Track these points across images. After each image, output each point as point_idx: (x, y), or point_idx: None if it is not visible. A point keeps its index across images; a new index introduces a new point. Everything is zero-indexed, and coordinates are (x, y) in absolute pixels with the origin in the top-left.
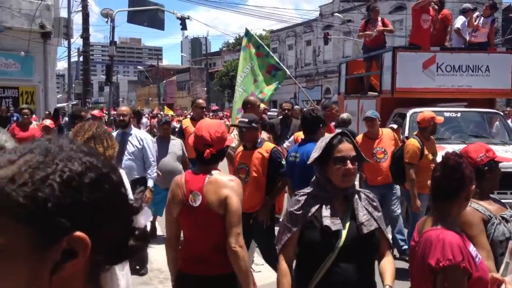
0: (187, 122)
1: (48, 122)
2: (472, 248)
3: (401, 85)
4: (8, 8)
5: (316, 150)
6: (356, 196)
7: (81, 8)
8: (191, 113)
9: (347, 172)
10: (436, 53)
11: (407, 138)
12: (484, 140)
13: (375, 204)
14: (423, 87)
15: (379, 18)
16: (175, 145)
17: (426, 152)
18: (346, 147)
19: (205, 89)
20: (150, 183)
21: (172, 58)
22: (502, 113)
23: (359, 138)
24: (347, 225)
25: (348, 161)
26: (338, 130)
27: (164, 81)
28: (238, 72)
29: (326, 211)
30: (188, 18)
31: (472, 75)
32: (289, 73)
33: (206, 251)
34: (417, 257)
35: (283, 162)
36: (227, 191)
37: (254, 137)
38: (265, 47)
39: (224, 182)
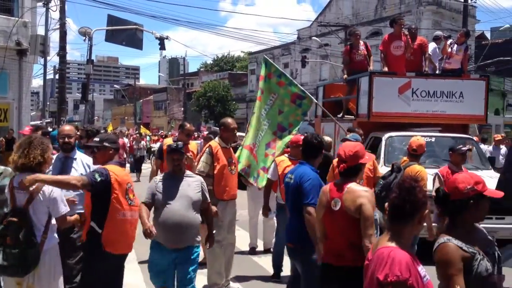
0: (169, 143)
1: None
2: (421, 268)
3: (378, 109)
4: None
5: None
6: None
7: (58, 26)
8: (170, 133)
9: None
10: (412, 78)
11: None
12: None
13: None
14: (399, 111)
15: (361, 42)
16: (191, 185)
17: None
18: None
19: (182, 109)
20: None
21: (149, 78)
22: (475, 139)
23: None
24: None
25: None
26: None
27: (141, 101)
28: (257, 106)
29: None
30: (166, 38)
31: (446, 100)
32: (315, 100)
33: (343, 247)
34: (369, 274)
35: (97, 177)
36: (361, 200)
37: (106, 157)
38: (287, 75)
39: (359, 192)
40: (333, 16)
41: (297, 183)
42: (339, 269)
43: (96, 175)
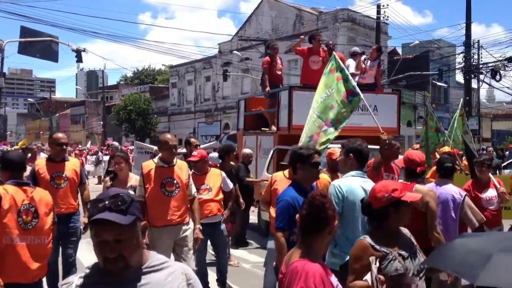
0: (41, 164)
1: None
2: (333, 278)
3: (297, 122)
4: None
5: None
6: None
7: None
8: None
9: None
10: None
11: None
12: None
13: None
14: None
15: (278, 57)
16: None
17: None
18: None
19: (102, 123)
20: None
21: (66, 91)
22: None
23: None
24: None
25: None
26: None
27: (57, 114)
28: (314, 98)
29: None
30: (84, 51)
31: (362, 114)
32: (363, 98)
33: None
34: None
35: None
36: (428, 198)
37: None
38: (346, 70)
39: (425, 191)
40: (253, 30)
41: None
42: None
43: None
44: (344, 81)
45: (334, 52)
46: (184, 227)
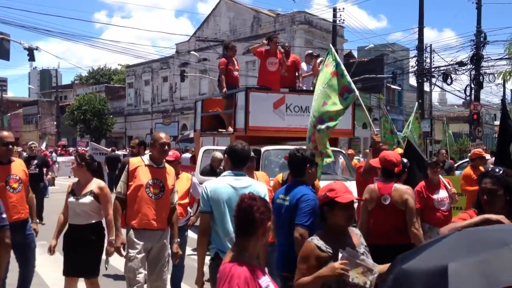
0: None
1: None
2: (263, 280)
3: (254, 123)
4: None
5: None
6: None
7: None
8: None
9: None
10: (285, 94)
11: None
12: (329, 176)
13: None
14: (274, 126)
15: (234, 58)
16: None
17: None
18: None
19: (55, 123)
20: None
21: (18, 90)
22: (344, 152)
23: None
24: None
25: None
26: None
27: (9, 114)
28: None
29: None
30: (36, 49)
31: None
32: (358, 94)
33: (389, 231)
34: None
35: None
36: (406, 196)
37: None
38: (342, 65)
39: (404, 190)
40: (211, 31)
41: (294, 205)
42: (388, 247)
43: None
44: (340, 76)
45: (330, 45)
46: (163, 236)
